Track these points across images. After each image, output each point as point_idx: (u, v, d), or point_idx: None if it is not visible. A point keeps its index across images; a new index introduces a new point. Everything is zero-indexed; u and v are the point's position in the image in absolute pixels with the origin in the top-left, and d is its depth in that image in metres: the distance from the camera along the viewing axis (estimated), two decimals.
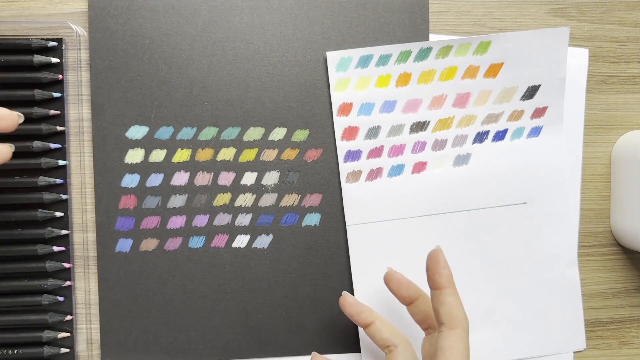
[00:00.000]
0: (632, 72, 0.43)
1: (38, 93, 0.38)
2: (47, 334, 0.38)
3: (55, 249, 0.38)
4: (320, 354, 0.40)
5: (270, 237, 0.40)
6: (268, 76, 0.40)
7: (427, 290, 0.35)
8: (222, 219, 0.40)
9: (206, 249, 0.40)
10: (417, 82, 0.40)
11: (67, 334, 0.39)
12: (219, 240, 0.40)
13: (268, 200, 0.40)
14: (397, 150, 0.41)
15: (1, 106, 0.33)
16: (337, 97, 0.40)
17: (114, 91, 0.39)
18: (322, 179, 0.40)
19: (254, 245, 0.40)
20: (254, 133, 0.40)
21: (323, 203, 0.40)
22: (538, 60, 0.40)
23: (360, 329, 0.40)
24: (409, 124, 0.40)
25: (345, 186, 0.40)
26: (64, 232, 0.38)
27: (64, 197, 0.38)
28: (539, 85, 0.41)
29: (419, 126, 0.40)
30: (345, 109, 0.40)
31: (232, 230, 0.40)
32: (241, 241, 0.40)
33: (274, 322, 0.40)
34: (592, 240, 0.43)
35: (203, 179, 0.40)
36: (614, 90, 0.43)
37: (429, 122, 0.40)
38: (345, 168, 0.40)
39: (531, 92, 0.41)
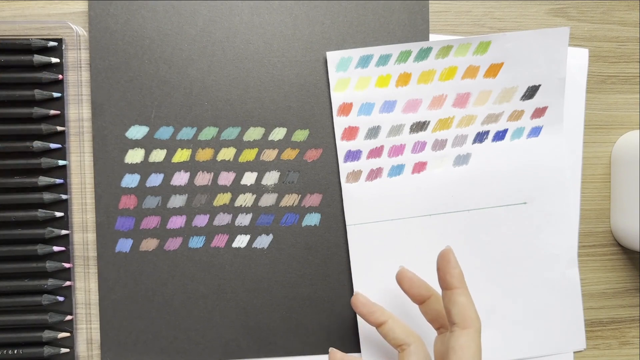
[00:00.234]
0: (632, 72, 0.43)
1: (38, 93, 0.38)
2: (47, 334, 0.38)
3: (55, 249, 0.38)
4: (320, 354, 0.40)
5: (270, 237, 0.40)
6: (268, 76, 0.40)
7: (438, 289, 0.35)
8: (222, 219, 0.40)
9: (206, 249, 0.40)
10: (417, 82, 0.40)
11: (67, 334, 0.39)
12: (219, 240, 0.40)
13: (268, 200, 0.40)
14: (397, 150, 0.40)
15: (1, 106, 0.33)
16: (337, 97, 0.40)
17: (114, 91, 0.39)
18: (322, 179, 0.40)
19: (254, 245, 0.40)
20: (254, 133, 0.40)
21: (323, 203, 0.40)
22: (538, 60, 0.40)
23: (365, 329, 0.40)
24: (409, 124, 0.40)
25: (345, 186, 0.40)
26: (64, 232, 0.38)
27: (64, 197, 0.38)
28: (539, 85, 0.41)
29: (419, 126, 0.40)
30: (345, 109, 0.40)
31: (232, 230, 0.40)
32: (241, 241, 0.40)
33: (274, 322, 0.40)
34: (592, 240, 0.43)
35: (203, 179, 0.40)
36: (614, 90, 0.43)
37: (429, 122, 0.40)
38: (345, 168, 0.40)
39: (531, 92, 0.41)
